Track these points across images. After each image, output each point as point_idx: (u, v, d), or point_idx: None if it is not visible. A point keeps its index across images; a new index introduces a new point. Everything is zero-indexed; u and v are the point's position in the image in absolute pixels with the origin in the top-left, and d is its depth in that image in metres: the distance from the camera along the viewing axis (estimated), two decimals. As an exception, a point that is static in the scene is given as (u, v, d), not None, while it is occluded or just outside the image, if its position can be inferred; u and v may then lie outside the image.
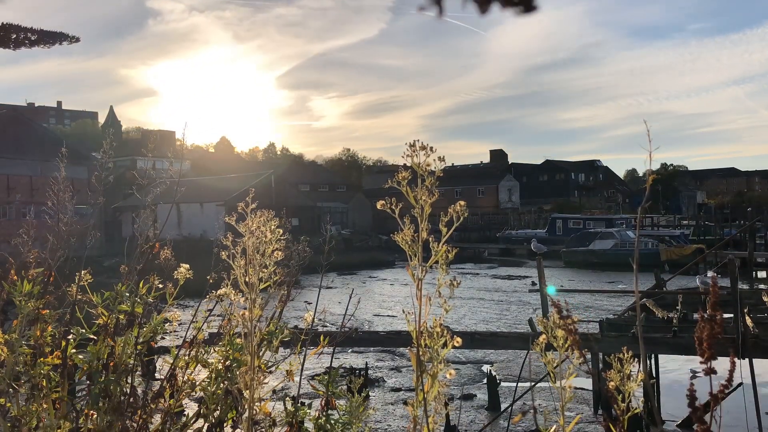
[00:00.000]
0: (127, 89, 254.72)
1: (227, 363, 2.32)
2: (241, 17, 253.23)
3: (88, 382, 2.21)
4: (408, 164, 2.00)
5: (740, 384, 10.25)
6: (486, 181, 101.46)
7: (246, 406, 2.22)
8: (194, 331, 2.46)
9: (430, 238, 2.05)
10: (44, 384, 2.19)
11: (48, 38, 1.50)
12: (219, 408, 2.30)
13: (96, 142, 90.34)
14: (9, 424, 2.09)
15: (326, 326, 17.83)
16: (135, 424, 2.16)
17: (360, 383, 2.43)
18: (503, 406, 14.25)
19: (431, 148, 1.97)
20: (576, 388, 2.27)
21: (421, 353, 2.04)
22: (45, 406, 2.16)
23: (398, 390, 15.62)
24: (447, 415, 10.43)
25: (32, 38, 1.48)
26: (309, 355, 2.59)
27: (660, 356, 13.83)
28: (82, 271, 2.49)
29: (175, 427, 2.31)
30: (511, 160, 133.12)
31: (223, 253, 2.19)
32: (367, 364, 16.18)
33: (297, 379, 2.49)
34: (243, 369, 2.22)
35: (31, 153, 51.67)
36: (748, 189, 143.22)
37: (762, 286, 34.81)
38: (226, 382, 2.30)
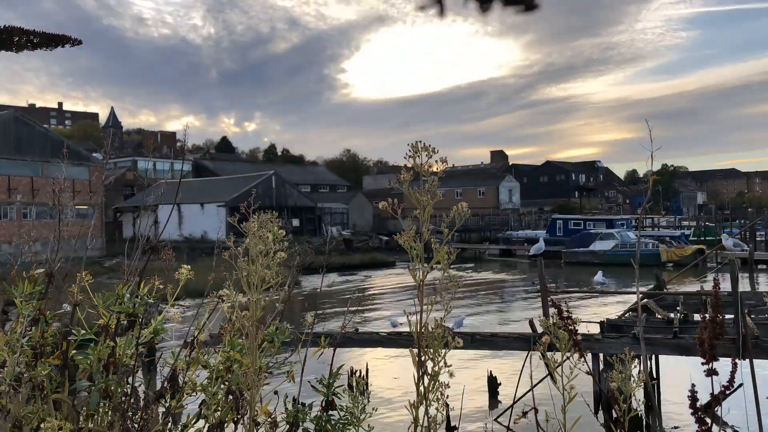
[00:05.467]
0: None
1: (228, 364, 2.33)
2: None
3: (89, 382, 2.22)
4: (410, 165, 2.00)
5: (740, 384, 10.25)
6: (486, 181, 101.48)
7: (247, 407, 2.22)
8: (195, 332, 2.46)
9: (432, 239, 2.06)
10: (46, 384, 2.19)
11: (50, 41, 1.49)
12: (220, 409, 2.30)
13: (97, 143, 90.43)
14: (10, 425, 2.09)
15: (327, 327, 17.85)
16: (136, 425, 2.16)
17: (361, 384, 2.43)
18: (503, 407, 14.25)
19: (433, 149, 1.97)
20: (576, 388, 2.27)
21: (421, 354, 2.04)
22: (46, 407, 2.16)
23: (399, 390, 15.62)
24: (447, 416, 10.41)
25: (35, 41, 1.47)
26: (310, 356, 2.59)
27: (660, 357, 13.83)
28: (83, 272, 2.49)
29: (176, 428, 2.32)
30: (511, 161, 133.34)
31: (226, 253, 2.19)
32: (367, 364, 16.18)
33: (297, 379, 2.50)
34: (244, 369, 2.23)
35: (32, 154, 51.75)
36: (749, 190, 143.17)
37: (762, 280, 34.81)
38: (227, 383, 2.30)
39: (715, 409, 2.11)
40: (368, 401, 2.45)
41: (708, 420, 2.02)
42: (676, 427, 12.67)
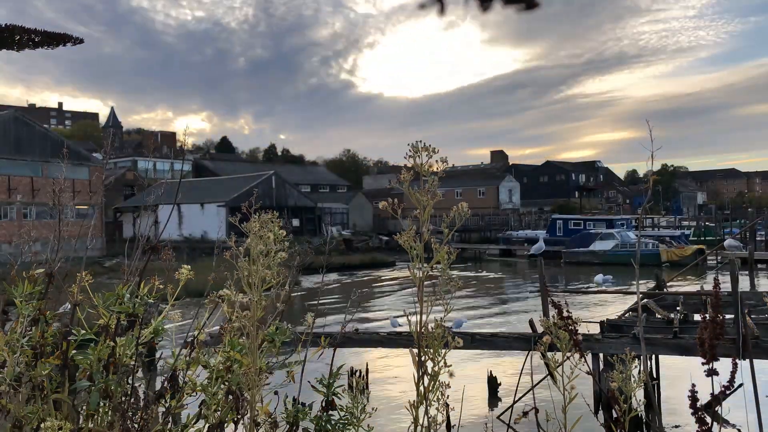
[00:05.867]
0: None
1: (228, 364, 2.32)
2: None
3: (89, 382, 2.22)
4: (410, 165, 2.00)
5: (740, 384, 10.24)
6: (486, 181, 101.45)
7: (247, 407, 2.22)
8: (195, 332, 2.46)
9: (432, 239, 2.06)
10: (46, 384, 2.19)
11: (52, 39, 1.49)
12: (220, 409, 2.30)
13: (97, 143, 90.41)
14: (10, 425, 2.09)
15: (327, 327, 17.82)
16: (136, 425, 2.16)
17: (361, 384, 2.43)
18: (503, 407, 14.25)
19: (434, 149, 1.97)
20: (577, 388, 2.28)
21: (421, 354, 2.04)
22: (46, 406, 2.16)
23: (398, 390, 15.62)
24: (447, 416, 10.41)
25: (36, 39, 1.47)
26: (310, 356, 2.59)
27: (660, 357, 13.83)
28: (83, 272, 2.49)
29: (176, 428, 2.31)
30: (511, 161, 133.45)
31: (226, 253, 2.19)
32: (367, 364, 16.18)
33: (298, 379, 2.50)
34: (244, 370, 2.23)
35: (32, 154, 51.76)
36: (749, 190, 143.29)
37: (762, 280, 34.81)
38: (227, 383, 2.30)
39: (716, 408, 2.11)
40: (368, 401, 2.45)
41: (708, 420, 2.02)
42: (676, 426, 12.67)
